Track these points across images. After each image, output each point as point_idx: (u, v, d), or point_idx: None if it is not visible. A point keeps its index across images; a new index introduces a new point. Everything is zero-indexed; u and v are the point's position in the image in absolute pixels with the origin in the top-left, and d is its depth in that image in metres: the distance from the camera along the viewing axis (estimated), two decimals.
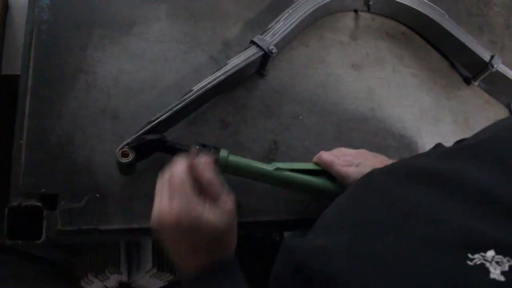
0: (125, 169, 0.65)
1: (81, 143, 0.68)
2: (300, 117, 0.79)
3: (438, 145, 0.70)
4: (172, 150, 0.65)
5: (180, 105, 0.67)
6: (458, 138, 0.63)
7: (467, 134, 0.86)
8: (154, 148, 0.65)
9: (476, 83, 0.93)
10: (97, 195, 0.66)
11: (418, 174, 0.43)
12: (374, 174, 0.51)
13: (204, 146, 0.65)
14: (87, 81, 0.72)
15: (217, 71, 0.72)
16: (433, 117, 0.87)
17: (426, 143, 0.83)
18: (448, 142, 0.83)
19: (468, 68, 0.93)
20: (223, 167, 0.65)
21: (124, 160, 0.62)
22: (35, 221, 0.63)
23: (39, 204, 0.63)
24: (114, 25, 0.76)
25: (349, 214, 0.47)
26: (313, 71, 0.84)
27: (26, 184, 0.64)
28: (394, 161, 0.67)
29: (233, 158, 0.66)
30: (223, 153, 0.65)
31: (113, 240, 0.66)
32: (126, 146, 0.63)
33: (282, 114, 0.79)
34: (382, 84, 0.87)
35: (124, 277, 1.12)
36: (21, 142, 0.66)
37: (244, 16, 0.85)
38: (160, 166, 0.54)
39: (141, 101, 0.72)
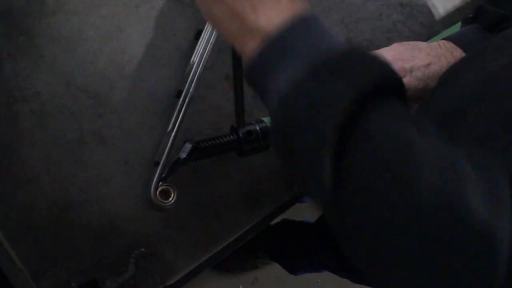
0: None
1: (79, 198, 0.47)
2: None
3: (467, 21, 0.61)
4: (209, 150, 0.48)
5: (191, 88, 0.47)
6: None
7: None
8: (189, 161, 0.47)
9: None
10: (142, 249, 0.49)
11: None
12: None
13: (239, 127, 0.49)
14: (33, 111, 0.47)
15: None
16: None
17: (424, 4, 0.73)
18: None
19: None
20: None
21: (167, 202, 0.45)
22: None
23: None
24: (17, 8, 0.48)
25: None
26: None
27: None
28: (437, 44, 0.58)
29: None
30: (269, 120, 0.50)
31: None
32: (161, 183, 0.44)
33: None
34: None
35: None
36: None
37: None
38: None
39: (121, 102, 0.50)
